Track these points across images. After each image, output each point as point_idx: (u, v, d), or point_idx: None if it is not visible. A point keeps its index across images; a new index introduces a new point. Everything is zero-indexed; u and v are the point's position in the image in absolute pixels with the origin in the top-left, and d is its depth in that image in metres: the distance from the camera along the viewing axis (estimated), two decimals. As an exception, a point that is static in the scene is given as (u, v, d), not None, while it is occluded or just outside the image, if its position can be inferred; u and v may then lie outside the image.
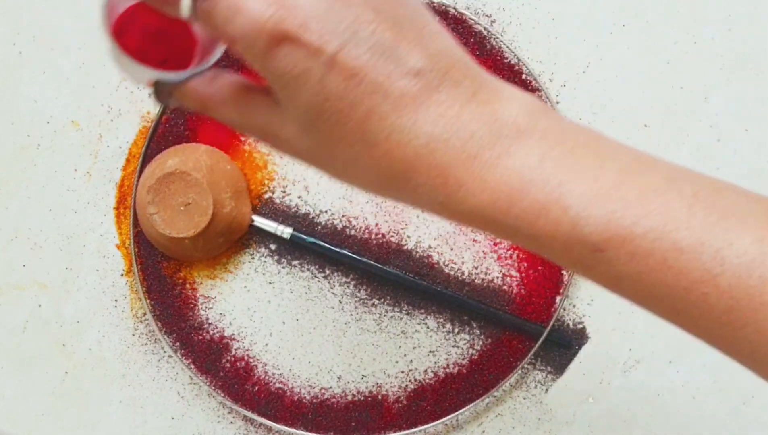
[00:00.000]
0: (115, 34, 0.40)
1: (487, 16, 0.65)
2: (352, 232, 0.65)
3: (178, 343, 0.65)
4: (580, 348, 0.64)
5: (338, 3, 0.34)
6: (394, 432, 0.64)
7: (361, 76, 0.34)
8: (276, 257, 0.65)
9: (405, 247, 0.65)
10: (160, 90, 0.40)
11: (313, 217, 0.65)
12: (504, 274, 0.65)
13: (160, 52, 0.41)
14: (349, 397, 0.65)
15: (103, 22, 0.39)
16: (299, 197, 0.65)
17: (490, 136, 0.35)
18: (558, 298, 0.64)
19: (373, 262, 0.64)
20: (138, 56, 0.39)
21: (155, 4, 0.37)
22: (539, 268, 0.64)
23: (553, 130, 0.36)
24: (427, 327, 0.65)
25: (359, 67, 0.34)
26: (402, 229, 0.65)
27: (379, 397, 0.65)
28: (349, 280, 0.65)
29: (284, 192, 0.65)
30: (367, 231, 0.65)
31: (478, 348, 0.64)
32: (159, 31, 0.42)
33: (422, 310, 0.65)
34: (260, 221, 0.64)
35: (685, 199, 0.35)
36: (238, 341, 0.65)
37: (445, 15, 0.65)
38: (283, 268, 0.65)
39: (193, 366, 0.65)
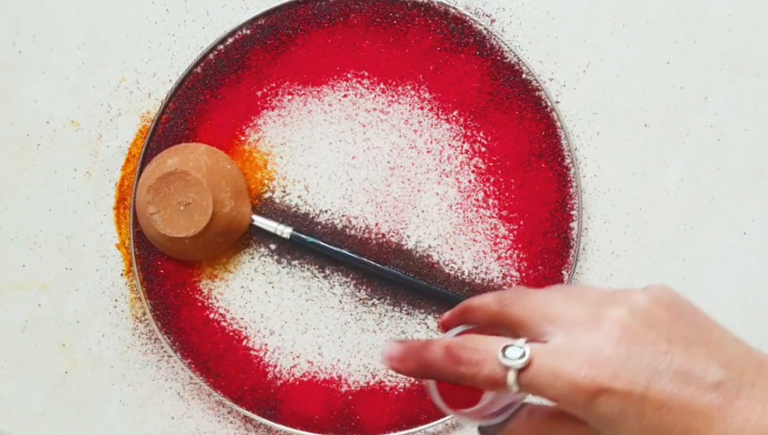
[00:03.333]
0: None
1: (487, 15, 0.65)
2: (352, 232, 0.65)
3: (177, 343, 0.65)
4: (580, 348, 0.64)
5: (636, 345, 0.39)
6: (394, 432, 0.64)
7: (670, 404, 0.38)
8: (276, 257, 0.65)
9: (405, 247, 0.65)
10: (485, 431, 0.45)
11: (313, 217, 0.65)
12: (504, 274, 0.65)
13: (463, 396, 0.47)
14: (349, 397, 0.65)
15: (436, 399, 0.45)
16: (299, 197, 0.65)
17: None
18: (558, 298, 0.64)
19: (373, 262, 0.64)
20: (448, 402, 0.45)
21: (482, 386, 0.42)
22: (539, 268, 0.64)
23: None
24: (427, 327, 0.65)
25: (666, 397, 0.38)
26: (402, 229, 0.65)
27: (379, 396, 0.65)
28: (349, 280, 0.65)
29: (284, 192, 0.65)
30: (367, 231, 0.65)
31: (478, 348, 0.64)
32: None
33: (422, 310, 0.65)
34: (260, 221, 0.64)
35: None
36: (238, 341, 0.65)
37: (445, 15, 0.65)
38: (283, 268, 0.65)
39: (192, 366, 0.65)
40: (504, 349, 0.40)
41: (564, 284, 0.46)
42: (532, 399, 0.42)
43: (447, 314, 0.48)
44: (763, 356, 0.41)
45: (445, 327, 0.48)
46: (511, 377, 0.40)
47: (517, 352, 0.40)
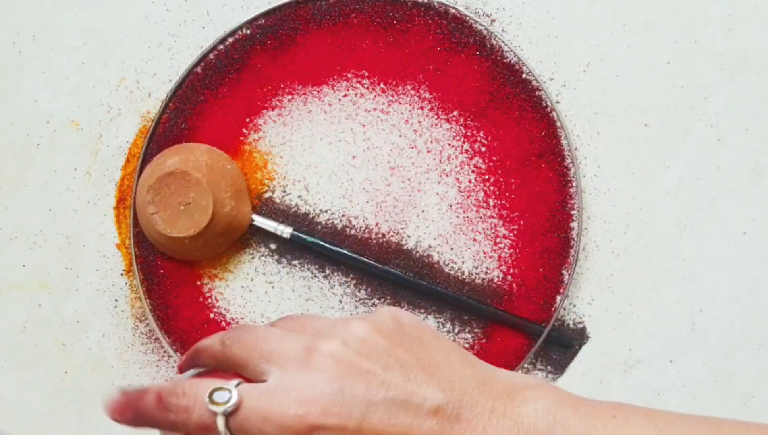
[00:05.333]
0: None
1: (487, 15, 0.65)
2: (352, 231, 0.65)
3: (178, 343, 0.65)
4: (580, 348, 0.64)
5: (348, 378, 0.37)
6: (394, 432, 0.64)
7: None
8: (276, 257, 0.65)
9: (405, 247, 0.65)
10: None
11: (313, 217, 0.65)
12: (504, 274, 0.65)
13: None
14: (349, 397, 0.65)
15: None
16: (299, 197, 0.65)
17: None
18: (558, 298, 0.64)
19: (373, 262, 0.64)
20: None
21: (195, 433, 0.40)
22: (539, 268, 0.64)
23: (571, 422, 0.38)
24: (427, 327, 0.65)
25: (382, 428, 0.37)
26: (402, 228, 0.65)
27: (379, 396, 0.65)
28: (349, 279, 0.65)
29: (284, 191, 0.65)
30: (367, 231, 0.65)
31: (478, 348, 0.64)
32: None
33: (422, 310, 0.65)
34: (260, 221, 0.64)
35: None
36: (238, 341, 0.65)
37: (445, 15, 0.65)
38: (283, 267, 0.65)
39: (193, 366, 0.65)
40: (212, 392, 0.39)
41: (292, 315, 0.45)
42: None
43: (182, 357, 0.46)
44: (490, 373, 0.39)
45: (180, 370, 0.46)
46: (221, 423, 0.38)
47: (224, 395, 0.39)
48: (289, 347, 0.39)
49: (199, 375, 0.45)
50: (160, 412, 0.40)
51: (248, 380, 0.41)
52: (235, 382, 0.39)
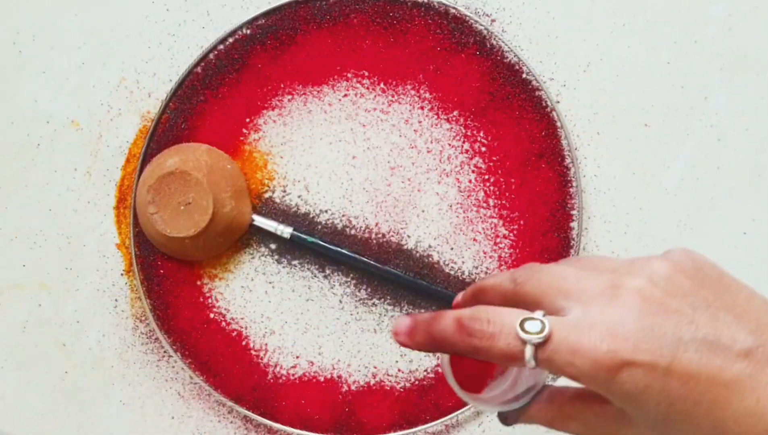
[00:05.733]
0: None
1: (487, 15, 0.65)
2: (352, 231, 0.65)
3: (178, 343, 0.65)
4: (580, 348, 0.64)
5: (658, 315, 0.37)
6: (394, 432, 0.64)
7: (697, 376, 0.36)
8: (276, 257, 0.65)
9: (405, 247, 0.65)
10: (506, 416, 0.43)
11: (314, 217, 0.65)
12: (504, 274, 0.65)
13: (482, 379, 0.45)
14: (349, 397, 0.65)
15: (447, 374, 0.44)
16: (299, 197, 0.65)
17: None
18: (558, 298, 0.64)
19: (373, 262, 0.64)
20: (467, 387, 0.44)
21: (497, 360, 0.40)
22: (539, 267, 0.64)
23: None
24: (427, 327, 0.65)
25: (693, 369, 0.36)
26: (402, 228, 0.65)
27: (379, 396, 0.65)
28: (349, 279, 0.65)
29: (284, 191, 0.65)
30: (367, 231, 0.65)
31: (478, 348, 0.64)
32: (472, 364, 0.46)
33: (422, 310, 0.65)
34: (260, 221, 0.64)
35: None
36: (238, 341, 0.65)
37: (445, 15, 0.65)
38: (283, 267, 0.65)
39: (192, 366, 0.65)
40: (522, 322, 0.38)
41: (579, 257, 0.44)
42: (556, 383, 0.41)
43: (459, 296, 0.45)
44: None
45: (457, 308, 0.45)
46: (529, 352, 0.38)
47: (535, 325, 0.38)
48: (591, 284, 0.38)
49: None
50: (461, 336, 0.39)
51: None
52: (541, 312, 0.38)
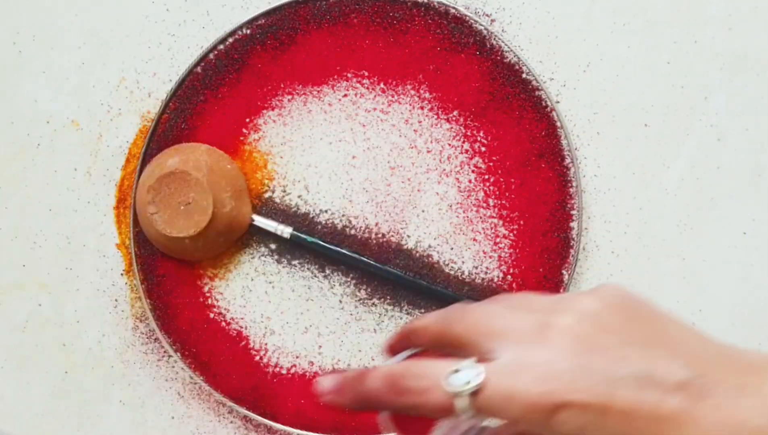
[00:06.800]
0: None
1: (487, 15, 0.65)
2: (352, 231, 0.65)
3: (178, 343, 0.65)
4: (580, 348, 0.64)
5: (590, 354, 0.36)
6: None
7: (635, 412, 0.36)
8: (276, 257, 0.65)
9: (405, 247, 0.65)
10: None
11: (313, 217, 0.65)
12: (504, 274, 0.65)
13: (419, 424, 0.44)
14: (349, 397, 0.65)
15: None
16: (299, 197, 0.65)
17: None
18: (558, 298, 0.64)
19: (373, 262, 0.64)
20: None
21: (432, 415, 0.39)
22: (539, 268, 0.64)
23: None
24: (427, 327, 0.65)
25: (629, 405, 0.36)
26: (402, 228, 0.65)
27: (379, 396, 0.65)
28: (349, 279, 0.65)
29: (284, 191, 0.65)
30: (367, 230, 0.65)
31: (478, 348, 0.64)
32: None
33: (422, 310, 0.65)
34: (260, 221, 0.64)
35: None
36: (238, 340, 0.65)
37: (445, 15, 0.65)
38: (283, 267, 0.65)
39: (192, 366, 0.65)
40: (452, 373, 0.37)
41: (508, 293, 0.43)
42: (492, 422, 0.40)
43: (391, 337, 0.45)
44: (726, 349, 0.38)
45: (390, 351, 0.45)
46: (464, 403, 0.37)
47: (466, 375, 0.37)
48: (520, 324, 0.38)
49: (414, 356, 0.43)
50: (392, 395, 0.39)
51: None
52: (473, 359, 0.38)
